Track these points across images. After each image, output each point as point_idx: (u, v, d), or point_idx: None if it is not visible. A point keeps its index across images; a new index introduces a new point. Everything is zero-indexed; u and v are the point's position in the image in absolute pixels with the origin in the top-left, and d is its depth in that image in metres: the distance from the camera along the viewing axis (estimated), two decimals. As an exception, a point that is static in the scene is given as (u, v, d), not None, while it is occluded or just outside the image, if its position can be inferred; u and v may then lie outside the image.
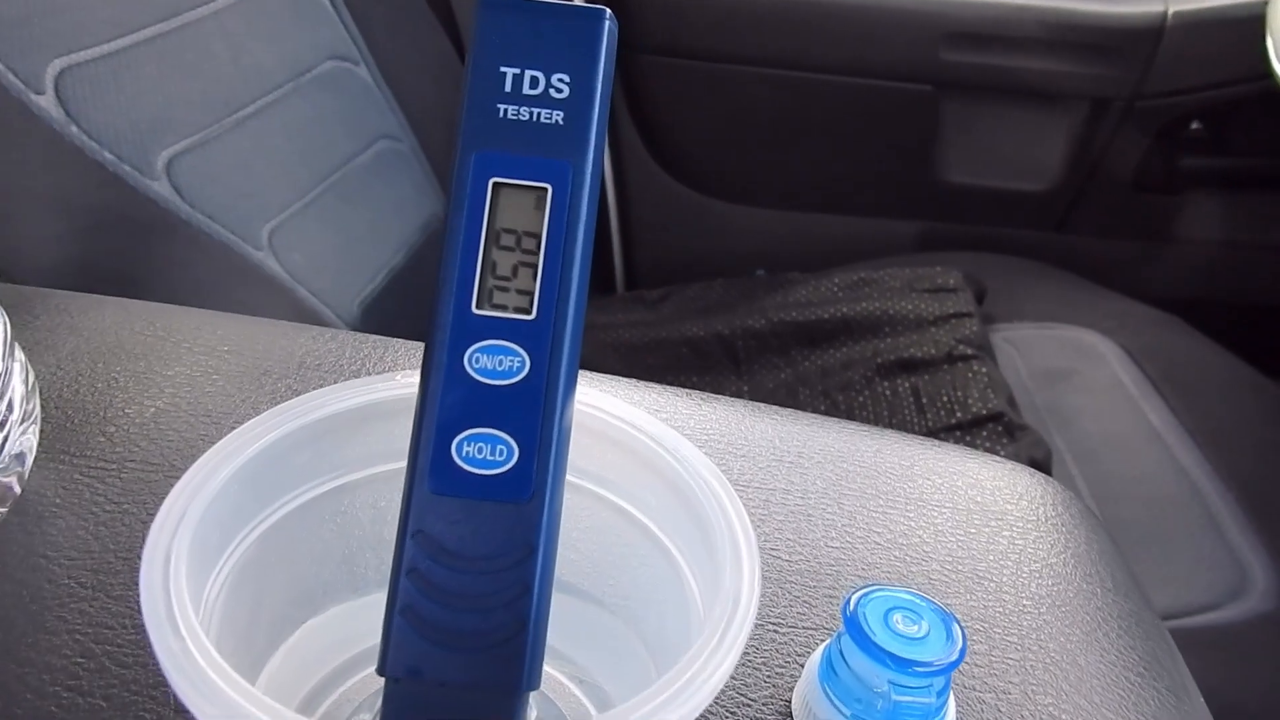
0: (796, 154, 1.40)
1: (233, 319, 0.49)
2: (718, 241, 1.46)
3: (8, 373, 0.36)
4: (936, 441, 0.47)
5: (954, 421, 0.95)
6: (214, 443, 0.28)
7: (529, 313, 0.26)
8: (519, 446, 0.26)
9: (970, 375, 0.99)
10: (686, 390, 0.48)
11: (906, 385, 1.02)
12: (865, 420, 1.00)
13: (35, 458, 0.39)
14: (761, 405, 0.48)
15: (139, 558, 0.25)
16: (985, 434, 0.93)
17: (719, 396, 0.48)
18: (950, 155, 1.37)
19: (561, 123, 0.26)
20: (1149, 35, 1.24)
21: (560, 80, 0.26)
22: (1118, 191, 1.38)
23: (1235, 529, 0.87)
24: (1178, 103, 1.29)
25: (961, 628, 0.31)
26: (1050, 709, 0.35)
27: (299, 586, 0.31)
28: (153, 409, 0.42)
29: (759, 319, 1.12)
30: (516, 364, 0.26)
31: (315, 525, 0.30)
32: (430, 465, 0.25)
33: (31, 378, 0.39)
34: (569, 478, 0.27)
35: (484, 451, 0.26)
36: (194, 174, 0.78)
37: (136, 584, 0.24)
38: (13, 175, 0.66)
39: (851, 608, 0.31)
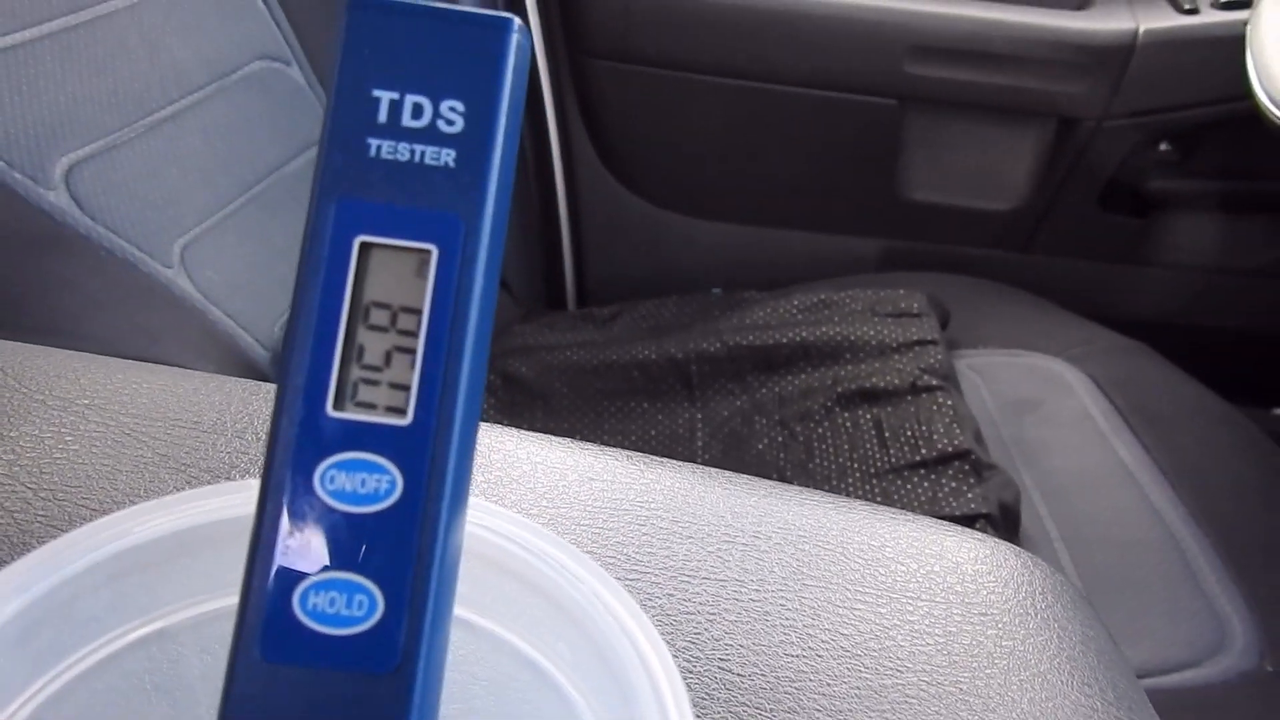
0: (755, 167, 1.35)
1: (101, 363, 0.42)
2: (672, 256, 1.42)
3: None
4: (910, 516, 0.41)
5: (918, 459, 0.89)
6: (60, 529, 0.21)
7: (404, 415, 0.19)
8: (385, 597, 0.19)
9: (935, 408, 0.94)
10: (627, 453, 0.42)
11: (868, 417, 0.96)
12: (825, 454, 0.95)
13: None
14: (713, 471, 0.42)
15: None
16: (951, 473, 0.88)
17: (664, 461, 0.42)
18: (913, 172, 1.33)
19: (453, 165, 0.20)
20: (1119, 53, 1.20)
21: (452, 109, 0.20)
22: (1084, 212, 1.34)
23: (1213, 578, 0.82)
24: (1147, 123, 1.26)
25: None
26: None
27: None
28: (-17, 481, 0.35)
29: (714, 342, 1.07)
30: (385, 485, 0.19)
31: (118, 689, 0.23)
32: (263, 622, 0.19)
33: None
34: (462, 613, 0.21)
35: (337, 604, 0.19)
36: (97, 183, 0.71)
37: None
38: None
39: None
